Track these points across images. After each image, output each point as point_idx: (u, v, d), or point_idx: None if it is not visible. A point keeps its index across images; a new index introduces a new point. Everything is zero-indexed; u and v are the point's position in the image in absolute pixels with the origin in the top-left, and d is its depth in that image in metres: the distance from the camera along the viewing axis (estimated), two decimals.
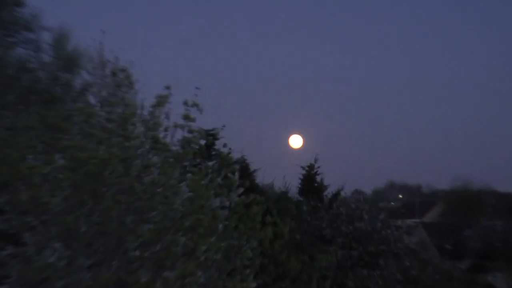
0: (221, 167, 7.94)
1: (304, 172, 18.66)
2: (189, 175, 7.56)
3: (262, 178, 16.30)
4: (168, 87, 7.57)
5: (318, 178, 18.63)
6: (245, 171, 14.71)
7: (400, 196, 69.34)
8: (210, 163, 8.33)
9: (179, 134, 7.63)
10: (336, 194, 18.49)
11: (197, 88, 7.65)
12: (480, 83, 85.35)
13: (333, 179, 19.21)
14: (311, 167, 18.67)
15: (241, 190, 8.05)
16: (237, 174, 8.02)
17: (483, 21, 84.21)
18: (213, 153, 11.11)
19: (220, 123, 8.81)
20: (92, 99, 9.15)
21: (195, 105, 7.58)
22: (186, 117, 7.57)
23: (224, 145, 8.59)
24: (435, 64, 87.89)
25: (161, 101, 7.50)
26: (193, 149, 7.67)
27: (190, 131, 7.64)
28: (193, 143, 7.67)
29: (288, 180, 17.70)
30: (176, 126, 7.58)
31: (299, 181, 18.65)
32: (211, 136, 9.97)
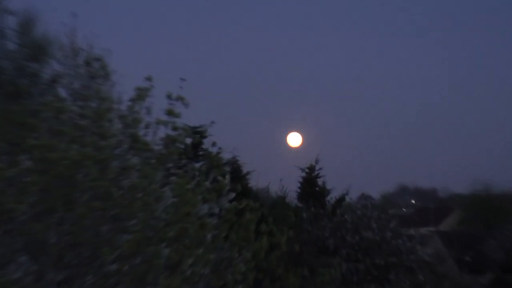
0: (210, 169, 7.96)
1: (303, 174, 18.71)
2: (173, 178, 7.58)
3: (256, 182, 16.35)
4: (149, 78, 7.59)
5: (319, 182, 18.70)
6: (237, 174, 14.75)
7: (413, 201, 69.56)
8: (197, 165, 8.36)
9: (162, 131, 7.65)
10: (340, 200, 18.56)
11: (182, 80, 7.67)
12: (502, 80, 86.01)
13: (336, 183, 19.29)
14: (311, 168, 18.72)
15: (232, 195, 8.08)
16: (227, 177, 8.05)
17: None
18: (201, 153, 11.15)
19: (208, 120, 8.85)
20: (62, 92, 9.14)
21: (180, 99, 7.60)
22: (170, 113, 7.58)
23: (213, 144, 8.62)
24: (447, 59, 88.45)
25: (141, 94, 7.51)
26: (177, 148, 7.69)
27: (174, 128, 7.66)
28: (177, 142, 7.70)
29: (285, 184, 17.78)
30: (158, 122, 7.60)
31: (298, 184, 18.71)
32: (198, 134, 10.00)
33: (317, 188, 18.72)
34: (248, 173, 15.70)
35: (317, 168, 18.94)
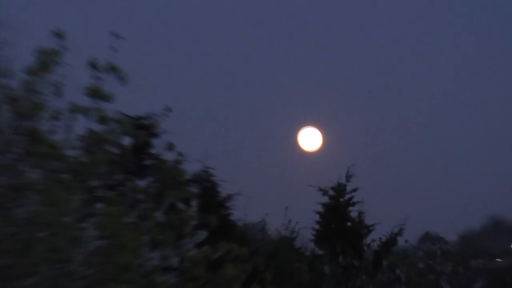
0: (164, 191, 8.02)
1: (325, 199, 18.72)
2: (100, 205, 7.63)
3: (244, 212, 16.37)
4: (60, 35, 7.64)
5: (353, 212, 18.71)
6: (211, 198, 14.80)
7: None
8: (142, 183, 8.41)
9: (82, 125, 7.71)
10: (389, 243, 18.57)
11: (115, 36, 7.74)
12: None
13: (382, 214, 19.34)
14: (339, 190, 18.74)
15: (202, 235, 8.13)
16: (194, 204, 8.10)
17: None
18: (148, 162, 11.20)
19: (161, 106, 8.93)
20: None
21: (112, 70, 7.66)
22: (95, 94, 7.64)
23: (170, 148, 8.68)
24: None
25: (46, 61, 7.57)
26: (108, 154, 7.75)
27: (103, 120, 7.72)
28: (108, 143, 7.75)
29: (294, 216, 17.78)
30: (75, 110, 7.66)
31: (317, 217, 18.70)
32: (143, 129, 10.05)
33: (349, 224, 18.78)
34: (230, 197, 15.76)
35: (349, 188, 19.00)
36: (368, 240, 18.89)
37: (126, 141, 8.30)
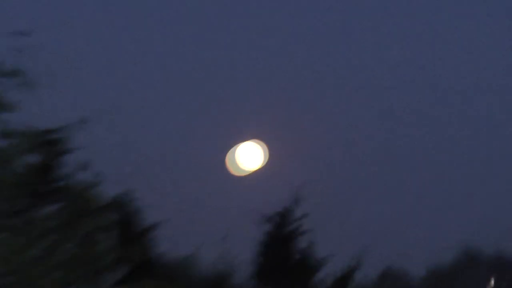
0: (77, 218, 8.01)
1: (269, 227, 18.72)
2: (0, 236, 7.60)
3: (171, 244, 16.33)
4: None
5: (301, 243, 18.72)
6: (133, 227, 14.78)
7: (492, 281, 70.28)
8: (50, 209, 8.40)
9: None
10: (344, 279, 18.66)
11: (20, 35, 7.72)
12: None
13: (337, 246, 19.39)
14: (285, 216, 18.76)
15: (123, 270, 8.14)
16: (113, 234, 8.10)
17: None
18: (58, 183, 11.17)
19: (75, 117, 8.91)
20: None
21: (14, 74, 7.65)
22: None
23: (83, 167, 8.66)
24: None
25: None
26: (9, 175, 7.73)
27: (4, 135, 7.69)
28: (9, 161, 7.73)
29: (231, 248, 17.77)
30: None
31: (259, 248, 18.68)
32: (52, 145, 10.03)
33: (297, 257, 18.85)
34: (155, 225, 15.75)
35: (296, 214, 19.07)
36: (320, 275, 18.97)
37: (32, 159, 8.28)
